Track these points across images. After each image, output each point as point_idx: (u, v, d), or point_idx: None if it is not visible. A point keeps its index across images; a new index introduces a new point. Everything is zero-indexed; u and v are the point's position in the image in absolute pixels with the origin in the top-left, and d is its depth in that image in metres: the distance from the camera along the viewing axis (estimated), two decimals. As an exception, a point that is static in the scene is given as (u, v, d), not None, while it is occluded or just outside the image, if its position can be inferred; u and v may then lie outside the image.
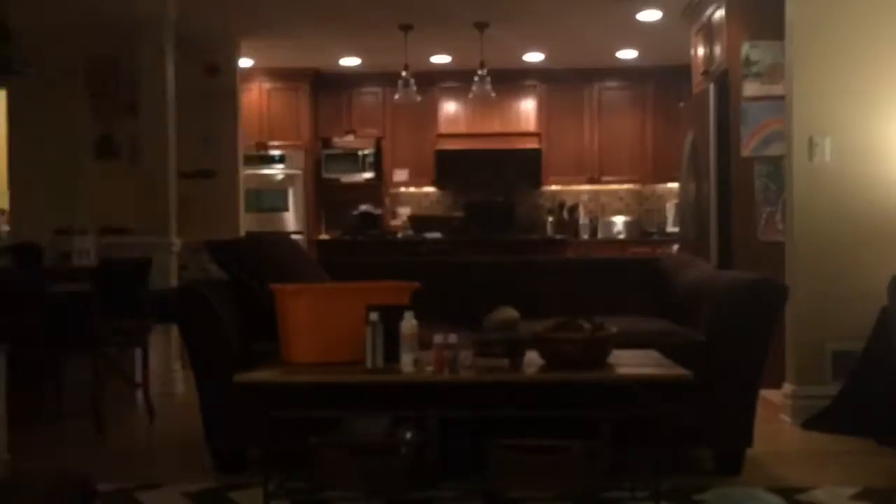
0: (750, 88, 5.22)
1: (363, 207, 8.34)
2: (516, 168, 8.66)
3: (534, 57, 8.20)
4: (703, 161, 5.60)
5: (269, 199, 8.41)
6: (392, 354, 2.76)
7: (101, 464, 3.75)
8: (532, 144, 8.67)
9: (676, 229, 7.37)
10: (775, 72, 5.06)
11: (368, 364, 2.64)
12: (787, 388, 4.41)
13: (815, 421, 4.20)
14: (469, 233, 7.94)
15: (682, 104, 6.55)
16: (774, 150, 5.06)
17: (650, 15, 6.64)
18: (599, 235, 8.67)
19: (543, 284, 4.27)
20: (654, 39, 7.38)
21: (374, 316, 2.59)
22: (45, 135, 5.98)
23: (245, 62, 7.80)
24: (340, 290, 3.11)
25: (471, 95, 7.48)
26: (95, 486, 2.60)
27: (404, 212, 8.93)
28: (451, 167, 8.64)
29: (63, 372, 4.66)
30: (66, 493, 2.44)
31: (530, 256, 6.14)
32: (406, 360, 2.74)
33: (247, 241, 4.92)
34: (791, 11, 4.42)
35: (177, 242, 5.54)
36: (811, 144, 4.35)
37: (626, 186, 8.87)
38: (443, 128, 8.80)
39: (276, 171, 8.48)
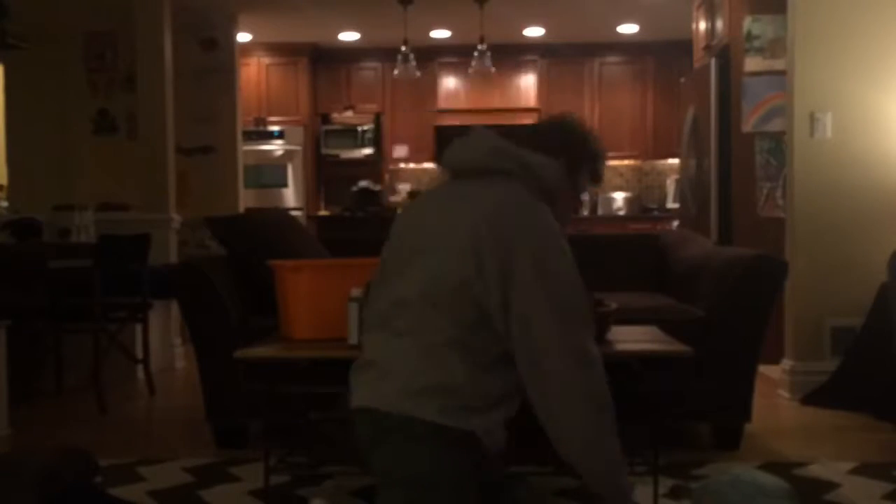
0: (751, 63, 5.19)
1: (362, 183, 8.31)
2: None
3: (534, 32, 8.15)
4: (703, 137, 5.58)
5: (268, 174, 8.39)
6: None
7: (102, 439, 3.76)
8: (532, 120, 8.62)
9: (677, 205, 7.35)
10: (777, 46, 5.03)
11: (352, 340, 2.63)
12: (786, 363, 4.42)
13: (814, 396, 4.22)
14: (469, 209, 7.90)
15: (682, 79, 6.51)
16: (775, 125, 5.04)
17: (651, -11, 6.59)
18: (599, 211, 8.66)
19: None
20: (655, 13, 7.33)
21: (356, 292, 2.58)
22: (42, 110, 5.96)
23: (243, 37, 7.75)
24: (340, 266, 3.10)
25: (470, 71, 7.44)
26: (96, 461, 2.62)
27: (404, 188, 8.91)
28: (450, 143, 8.60)
29: (63, 348, 4.67)
30: (68, 467, 2.45)
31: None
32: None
33: (246, 218, 4.91)
34: (793, -15, 4.39)
35: (176, 218, 5.53)
36: (812, 120, 4.34)
37: (626, 162, 8.85)
38: (442, 103, 8.76)
39: (275, 146, 8.45)
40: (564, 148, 1.95)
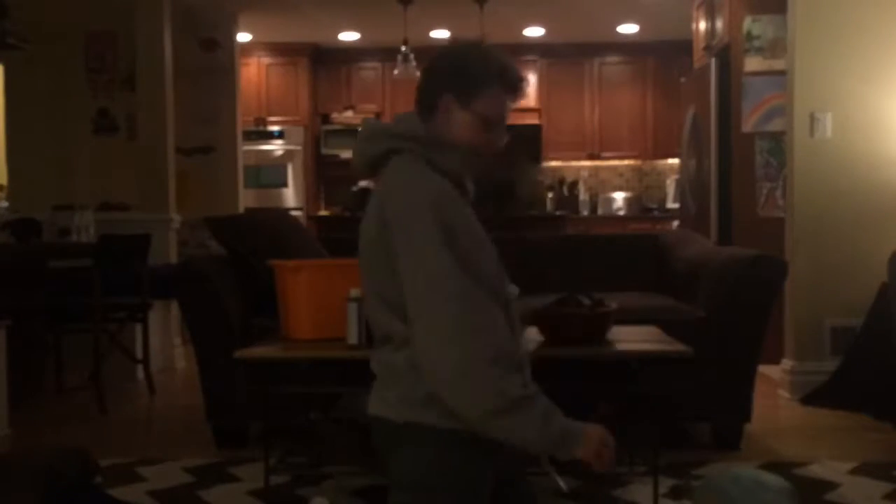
0: (751, 63, 5.19)
1: (362, 184, 8.28)
2: (515, 143, 8.60)
3: (534, 31, 8.14)
4: (703, 137, 5.58)
5: (268, 175, 8.39)
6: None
7: (102, 439, 3.77)
8: (532, 120, 8.63)
9: (677, 205, 7.35)
10: (777, 46, 5.03)
11: (351, 340, 2.63)
12: (786, 363, 4.42)
13: (814, 396, 4.22)
14: (468, 209, 7.90)
15: (682, 79, 6.51)
16: (775, 125, 5.04)
17: (651, -11, 6.59)
18: (599, 212, 8.66)
19: (543, 261, 4.27)
20: (655, 14, 7.33)
21: (355, 292, 2.58)
22: (42, 110, 5.95)
23: (243, 37, 7.75)
24: (340, 266, 3.11)
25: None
26: (96, 461, 2.62)
27: (404, 188, 8.90)
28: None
29: (63, 348, 4.67)
30: (68, 467, 2.45)
31: (530, 233, 6.13)
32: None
33: (246, 218, 4.91)
34: (793, -15, 4.39)
35: (176, 218, 5.53)
36: (812, 120, 4.34)
37: (626, 162, 8.85)
38: (442, 103, 8.74)
39: (276, 146, 8.45)
40: (445, 81, 1.69)
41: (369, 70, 8.83)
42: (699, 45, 6.16)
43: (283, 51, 8.52)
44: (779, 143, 5.01)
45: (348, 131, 8.72)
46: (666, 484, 2.89)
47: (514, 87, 1.71)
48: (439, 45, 1.84)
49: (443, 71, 1.71)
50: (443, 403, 1.61)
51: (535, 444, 1.59)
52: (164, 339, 5.37)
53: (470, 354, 1.51)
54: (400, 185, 1.63)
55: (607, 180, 8.95)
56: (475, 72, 1.68)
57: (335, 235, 6.06)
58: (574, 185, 8.81)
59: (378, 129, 1.73)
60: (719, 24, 5.63)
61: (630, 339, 2.85)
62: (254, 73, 8.50)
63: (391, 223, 1.59)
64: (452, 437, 1.62)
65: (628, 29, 8.04)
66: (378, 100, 8.80)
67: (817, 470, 3.14)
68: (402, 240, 1.56)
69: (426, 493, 1.65)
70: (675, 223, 7.27)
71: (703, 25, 6.07)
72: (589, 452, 1.60)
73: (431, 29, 7.90)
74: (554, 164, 8.84)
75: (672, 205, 8.25)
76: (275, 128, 8.48)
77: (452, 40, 1.76)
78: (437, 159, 1.65)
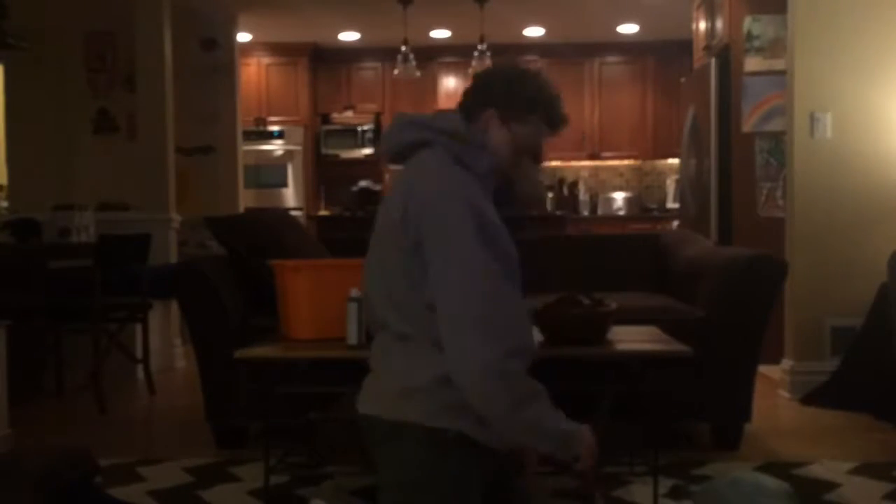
0: (751, 63, 5.19)
1: (362, 183, 8.29)
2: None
3: (534, 31, 8.14)
4: (703, 136, 5.58)
5: (268, 174, 8.38)
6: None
7: (102, 439, 3.76)
8: (532, 120, 8.63)
9: (677, 205, 7.35)
10: (777, 46, 5.03)
11: (350, 340, 2.63)
12: (786, 363, 4.42)
13: (814, 396, 4.22)
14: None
15: (682, 79, 6.51)
16: (775, 125, 5.04)
17: (651, -11, 6.59)
18: (599, 212, 8.66)
19: (543, 260, 4.26)
20: (655, 13, 7.33)
21: (356, 292, 2.58)
22: (42, 110, 5.96)
23: (243, 37, 7.75)
24: (340, 265, 3.11)
25: (471, 70, 7.43)
26: (96, 461, 2.62)
27: (404, 188, 8.90)
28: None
29: (63, 348, 4.67)
30: (68, 467, 2.45)
31: (530, 233, 6.13)
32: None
33: (246, 218, 4.91)
34: (793, -15, 4.39)
35: (176, 218, 5.53)
36: (812, 120, 4.34)
37: (626, 162, 8.84)
38: (442, 103, 8.74)
39: (275, 146, 8.44)
40: (490, 96, 1.72)
41: (369, 70, 8.83)
42: (699, 45, 6.16)
43: (283, 51, 8.52)
44: (779, 143, 5.01)
45: (348, 131, 8.72)
46: (666, 484, 2.89)
47: (555, 123, 1.78)
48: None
49: (494, 86, 1.74)
50: (434, 402, 1.62)
51: (551, 439, 1.61)
52: (164, 339, 5.37)
53: (503, 350, 1.54)
54: (433, 175, 1.65)
55: (607, 180, 8.95)
56: (524, 96, 1.73)
57: (335, 235, 6.07)
58: (574, 185, 8.81)
59: (416, 120, 1.76)
60: (719, 24, 5.63)
61: (630, 339, 2.85)
62: (254, 73, 8.50)
63: (421, 211, 1.60)
64: (442, 436, 1.63)
65: (628, 29, 8.04)
66: (378, 100, 8.80)
67: (817, 470, 3.14)
68: (434, 229, 1.58)
69: (415, 492, 1.66)
70: (675, 223, 7.27)
71: (703, 25, 6.07)
72: (588, 452, 1.61)
73: (431, 29, 7.90)
74: (554, 164, 8.84)
75: (672, 205, 8.25)
76: (275, 128, 8.48)
77: (513, 61, 1.80)
78: (467, 159, 1.68)
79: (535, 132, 1.76)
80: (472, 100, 1.74)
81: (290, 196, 8.41)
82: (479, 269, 1.56)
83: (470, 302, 1.55)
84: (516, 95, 1.73)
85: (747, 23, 5.19)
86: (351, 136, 8.72)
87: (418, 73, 7.31)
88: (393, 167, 1.80)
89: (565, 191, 8.76)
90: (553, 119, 1.77)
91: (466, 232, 1.57)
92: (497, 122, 1.72)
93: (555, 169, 8.87)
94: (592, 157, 8.76)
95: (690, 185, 5.94)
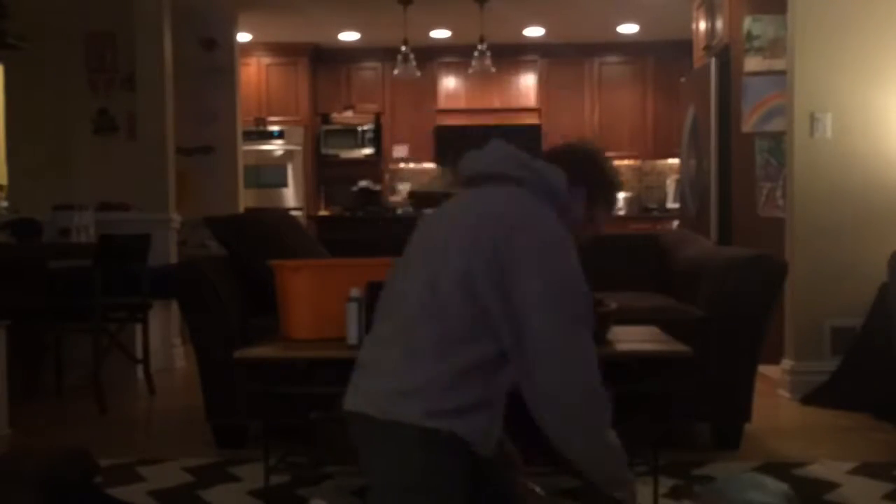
0: (751, 63, 5.18)
1: (362, 183, 8.30)
2: (516, 144, 8.60)
3: (534, 31, 8.15)
4: (703, 137, 5.58)
5: (268, 175, 8.39)
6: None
7: (102, 439, 3.76)
8: (532, 120, 8.64)
9: (677, 205, 7.36)
10: (777, 46, 5.03)
11: (350, 340, 2.63)
12: (786, 363, 4.42)
13: (814, 396, 4.22)
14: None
15: (682, 79, 6.51)
16: (775, 125, 5.04)
17: (651, -11, 6.59)
18: (599, 211, 8.65)
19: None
20: (655, 13, 7.33)
21: (356, 292, 2.59)
22: (42, 110, 5.96)
23: (243, 37, 7.75)
24: (340, 265, 3.11)
25: (470, 70, 7.44)
26: (96, 461, 2.62)
27: (404, 188, 8.91)
28: (450, 143, 8.61)
29: (63, 348, 4.67)
30: (68, 467, 2.45)
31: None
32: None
33: (246, 218, 4.90)
34: (793, -15, 4.39)
35: (176, 218, 5.53)
36: (812, 120, 4.34)
37: (626, 162, 8.84)
38: (442, 103, 8.76)
39: (276, 146, 8.45)
40: (583, 175, 1.93)
41: (369, 70, 8.83)
42: (699, 45, 6.16)
43: (283, 51, 8.53)
44: (779, 143, 5.01)
45: (348, 131, 8.72)
46: (666, 484, 2.88)
47: (614, 207, 2.09)
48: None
49: (594, 172, 1.98)
50: (431, 404, 1.62)
51: (618, 470, 1.80)
52: (164, 339, 5.37)
53: (593, 383, 1.73)
54: (535, 210, 1.77)
55: (607, 180, 8.93)
56: (609, 186, 2.02)
57: (335, 235, 6.07)
58: (574, 184, 8.80)
59: (521, 158, 1.87)
60: (719, 24, 5.63)
61: (630, 339, 2.85)
62: (254, 73, 8.50)
63: (515, 238, 1.69)
64: (433, 436, 1.63)
65: (628, 29, 8.04)
66: (378, 100, 8.80)
67: (817, 470, 3.14)
68: (536, 256, 1.69)
69: (404, 491, 1.67)
70: (675, 223, 7.27)
71: (703, 25, 6.07)
72: (632, 499, 1.82)
73: (431, 29, 7.90)
74: (554, 164, 8.83)
75: (672, 205, 8.25)
76: (275, 128, 8.49)
77: (603, 152, 2.06)
78: (560, 211, 1.82)
79: (606, 214, 2.03)
80: (571, 173, 1.89)
81: (290, 196, 8.41)
82: (573, 317, 1.70)
83: (572, 346, 1.70)
84: (605, 185, 2.00)
85: (747, 23, 5.19)
86: (351, 136, 8.72)
87: (418, 73, 7.32)
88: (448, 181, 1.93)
89: (565, 191, 8.75)
90: (614, 205, 2.07)
91: (564, 277, 1.72)
92: (583, 197, 1.93)
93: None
94: (592, 157, 8.74)
95: (690, 186, 5.94)
